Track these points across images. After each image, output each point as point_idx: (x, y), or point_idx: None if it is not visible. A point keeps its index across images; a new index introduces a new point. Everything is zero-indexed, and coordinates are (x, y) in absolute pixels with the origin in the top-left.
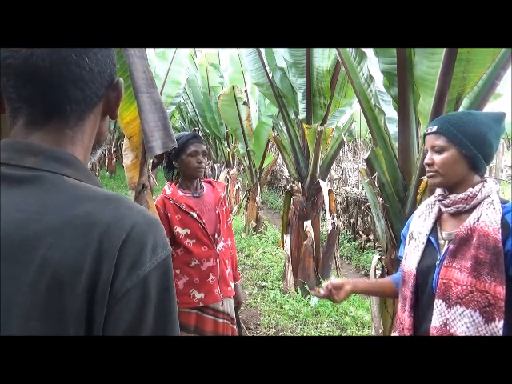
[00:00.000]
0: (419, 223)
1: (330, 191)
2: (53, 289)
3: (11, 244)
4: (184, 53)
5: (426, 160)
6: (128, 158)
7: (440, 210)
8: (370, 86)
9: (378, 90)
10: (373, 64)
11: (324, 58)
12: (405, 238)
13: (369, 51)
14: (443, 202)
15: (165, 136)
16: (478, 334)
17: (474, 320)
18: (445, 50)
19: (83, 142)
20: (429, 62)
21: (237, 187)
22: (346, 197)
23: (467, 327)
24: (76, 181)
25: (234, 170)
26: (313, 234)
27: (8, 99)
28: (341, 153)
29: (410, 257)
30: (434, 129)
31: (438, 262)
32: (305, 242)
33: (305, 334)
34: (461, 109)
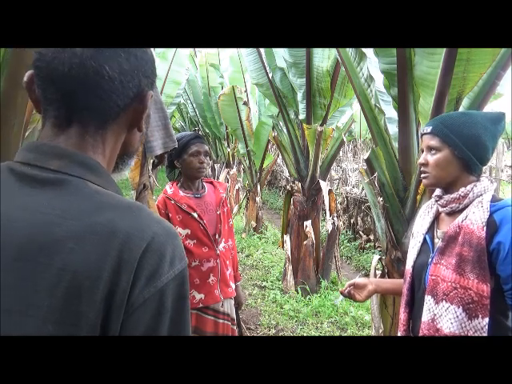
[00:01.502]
0: (419, 223)
1: (330, 191)
2: (71, 294)
3: (33, 245)
4: (184, 53)
5: (420, 160)
6: None
7: (438, 210)
8: (370, 86)
9: (378, 90)
10: (373, 64)
11: (324, 57)
12: None
13: (369, 51)
14: (438, 202)
15: (165, 136)
16: (461, 330)
17: (457, 316)
18: (445, 50)
19: (104, 152)
20: (429, 62)
21: (237, 187)
22: (346, 197)
23: (451, 323)
24: (98, 187)
25: (234, 170)
26: (313, 234)
27: (40, 100)
28: (341, 153)
29: (409, 255)
30: (429, 129)
31: (429, 260)
32: (305, 242)
33: (305, 334)
34: (461, 109)
